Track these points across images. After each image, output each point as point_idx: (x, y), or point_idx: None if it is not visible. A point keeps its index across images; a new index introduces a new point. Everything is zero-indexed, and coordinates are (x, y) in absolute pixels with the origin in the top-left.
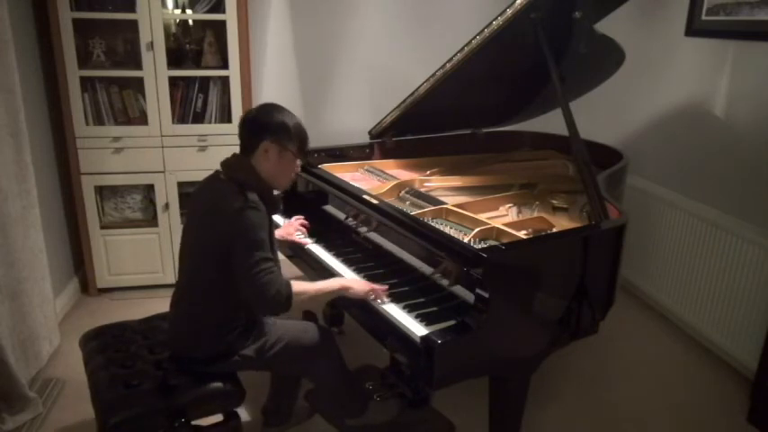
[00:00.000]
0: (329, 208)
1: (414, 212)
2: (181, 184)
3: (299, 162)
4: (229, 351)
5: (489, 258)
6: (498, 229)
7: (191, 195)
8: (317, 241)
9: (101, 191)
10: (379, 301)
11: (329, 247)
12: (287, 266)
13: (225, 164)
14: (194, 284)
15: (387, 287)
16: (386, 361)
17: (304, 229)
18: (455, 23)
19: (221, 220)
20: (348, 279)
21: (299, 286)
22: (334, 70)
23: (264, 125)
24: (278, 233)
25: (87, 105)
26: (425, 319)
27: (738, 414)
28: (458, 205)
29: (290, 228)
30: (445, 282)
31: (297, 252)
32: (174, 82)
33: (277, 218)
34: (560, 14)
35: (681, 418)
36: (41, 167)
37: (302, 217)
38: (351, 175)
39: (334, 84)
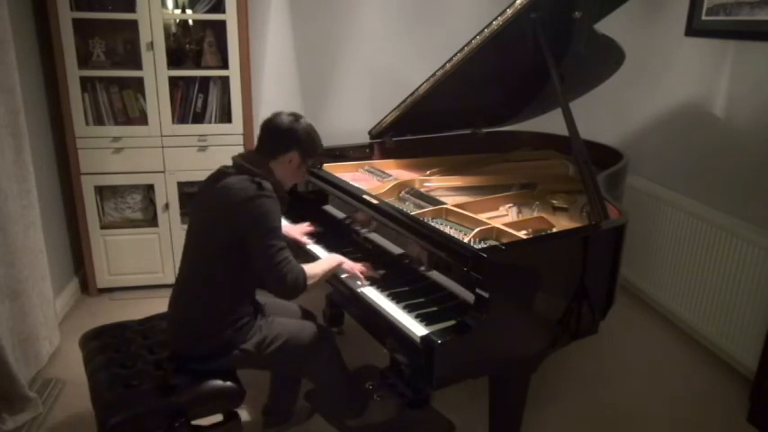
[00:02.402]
0: (329, 208)
1: (414, 212)
2: (181, 184)
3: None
4: (229, 346)
5: (489, 258)
6: (498, 229)
7: (197, 193)
8: (317, 242)
9: (101, 191)
10: (358, 282)
11: (329, 247)
12: None
13: (240, 158)
14: (196, 279)
15: (374, 271)
16: (386, 361)
17: (306, 237)
18: (455, 23)
19: (236, 208)
20: (339, 255)
21: (310, 270)
22: (334, 70)
23: (299, 138)
24: (289, 231)
25: (87, 105)
26: (425, 318)
27: (738, 414)
28: (458, 205)
29: (294, 229)
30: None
31: (297, 252)
32: (174, 82)
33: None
34: (560, 14)
35: (681, 418)
36: (41, 167)
37: (308, 224)
38: (351, 175)
39: (334, 84)
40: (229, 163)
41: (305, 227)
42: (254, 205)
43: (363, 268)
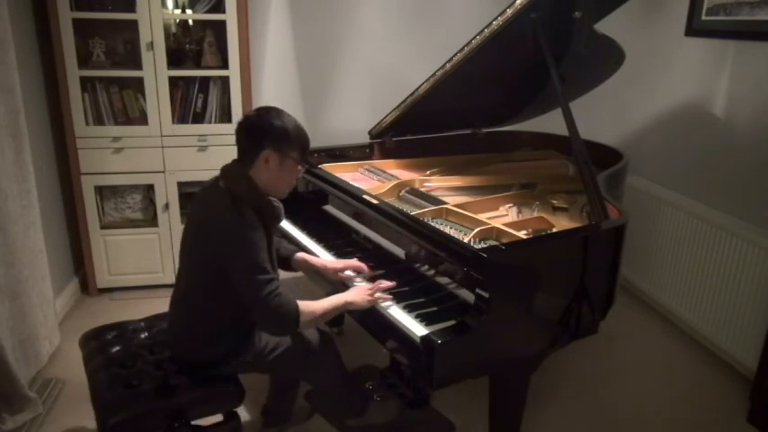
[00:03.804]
0: (329, 208)
1: (414, 212)
2: (181, 184)
3: (300, 168)
4: (229, 356)
5: (489, 258)
6: (498, 229)
7: (195, 197)
8: (318, 241)
9: (101, 191)
10: (384, 304)
11: (329, 247)
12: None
13: (224, 171)
14: (192, 289)
15: (391, 284)
16: (386, 361)
17: (355, 272)
18: (455, 23)
19: (215, 237)
20: (349, 293)
21: (306, 307)
22: (334, 70)
23: (264, 132)
24: (329, 265)
25: (87, 105)
26: (425, 318)
27: (738, 414)
28: (458, 205)
29: (337, 265)
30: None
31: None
32: (174, 82)
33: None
34: (560, 14)
35: (681, 419)
36: (41, 167)
37: (358, 263)
38: (351, 175)
39: (334, 84)
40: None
41: (352, 263)
42: (236, 239)
43: (376, 292)
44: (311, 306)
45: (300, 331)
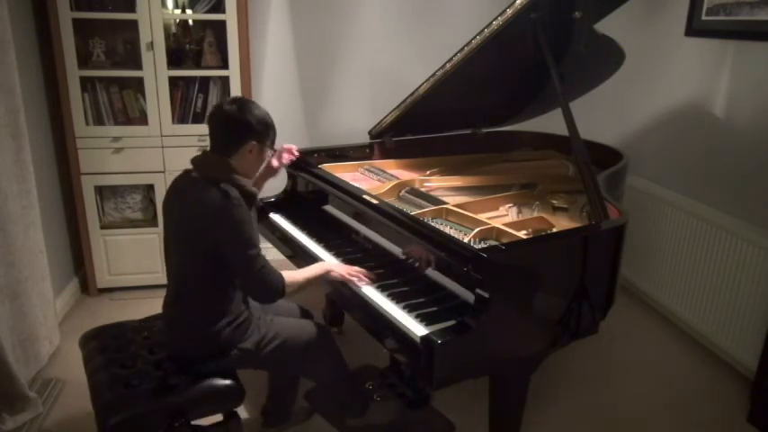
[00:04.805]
0: (329, 208)
1: (414, 212)
2: None
3: (269, 152)
4: (228, 346)
5: (489, 258)
6: (498, 229)
7: (165, 197)
8: (318, 241)
9: (101, 191)
10: (359, 283)
11: (329, 246)
12: (287, 266)
13: (198, 163)
14: (185, 284)
15: (369, 275)
16: (386, 361)
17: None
18: (455, 23)
19: (205, 218)
20: (329, 262)
21: (289, 277)
22: (334, 70)
23: (249, 126)
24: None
25: (87, 105)
26: (425, 318)
27: (738, 414)
28: (458, 205)
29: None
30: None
31: (297, 252)
32: (174, 82)
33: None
34: (560, 14)
35: (681, 419)
36: (41, 167)
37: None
38: (351, 175)
39: (334, 84)
40: None
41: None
42: (225, 217)
43: (356, 273)
44: (294, 276)
45: (298, 326)
